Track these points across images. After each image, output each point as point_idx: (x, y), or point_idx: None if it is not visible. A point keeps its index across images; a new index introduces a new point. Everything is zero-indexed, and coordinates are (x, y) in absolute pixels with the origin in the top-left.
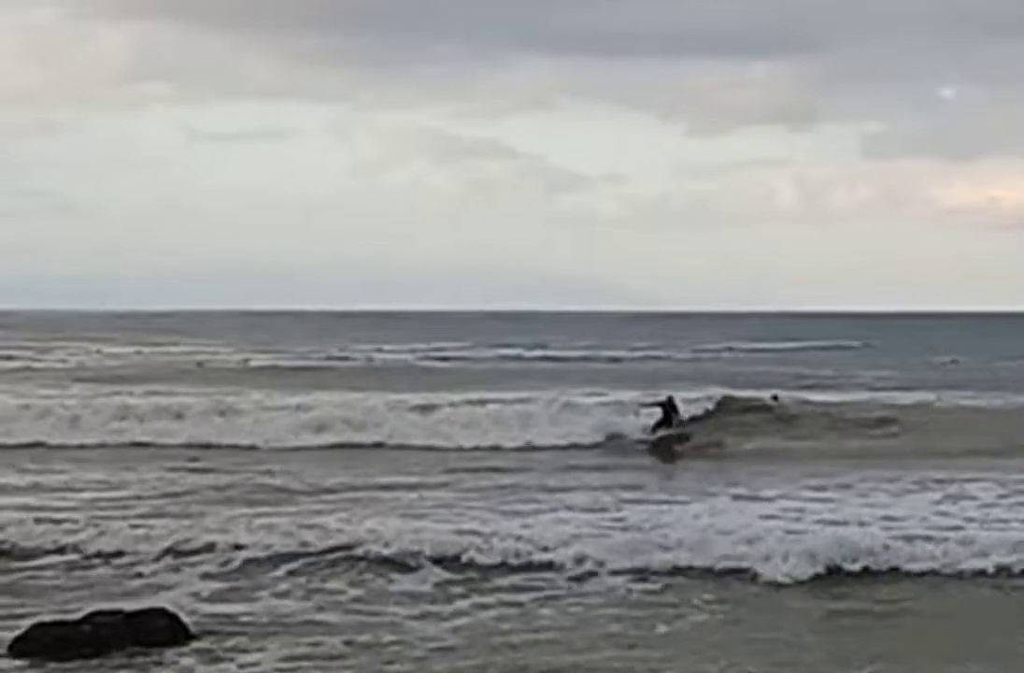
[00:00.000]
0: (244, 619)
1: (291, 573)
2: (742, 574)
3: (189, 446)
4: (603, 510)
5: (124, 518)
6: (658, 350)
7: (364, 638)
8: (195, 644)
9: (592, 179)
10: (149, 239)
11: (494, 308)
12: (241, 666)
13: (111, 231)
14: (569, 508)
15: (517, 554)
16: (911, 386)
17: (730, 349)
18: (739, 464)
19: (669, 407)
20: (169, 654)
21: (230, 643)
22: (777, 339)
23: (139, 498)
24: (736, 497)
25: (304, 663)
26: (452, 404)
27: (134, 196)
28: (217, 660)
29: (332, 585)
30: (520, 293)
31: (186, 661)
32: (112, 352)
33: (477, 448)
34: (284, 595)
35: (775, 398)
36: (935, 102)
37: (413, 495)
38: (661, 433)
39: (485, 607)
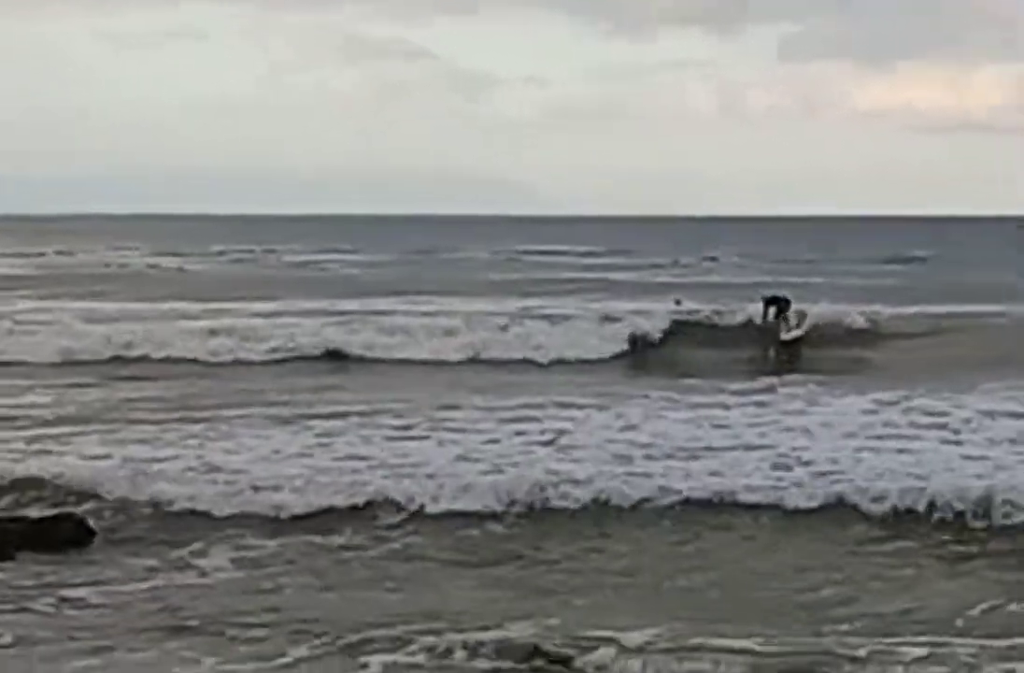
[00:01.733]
0: None
1: None
2: None
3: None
4: None
5: None
6: (606, 257)
7: None
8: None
9: (507, 81)
10: (57, 143)
11: (403, 212)
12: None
13: (20, 136)
14: None
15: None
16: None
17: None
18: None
19: (772, 300)
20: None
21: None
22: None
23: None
24: None
25: None
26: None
27: (45, 101)
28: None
29: None
30: (431, 196)
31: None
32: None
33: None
34: None
35: (678, 302)
36: (853, 4)
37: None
38: (795, 333)
39: None
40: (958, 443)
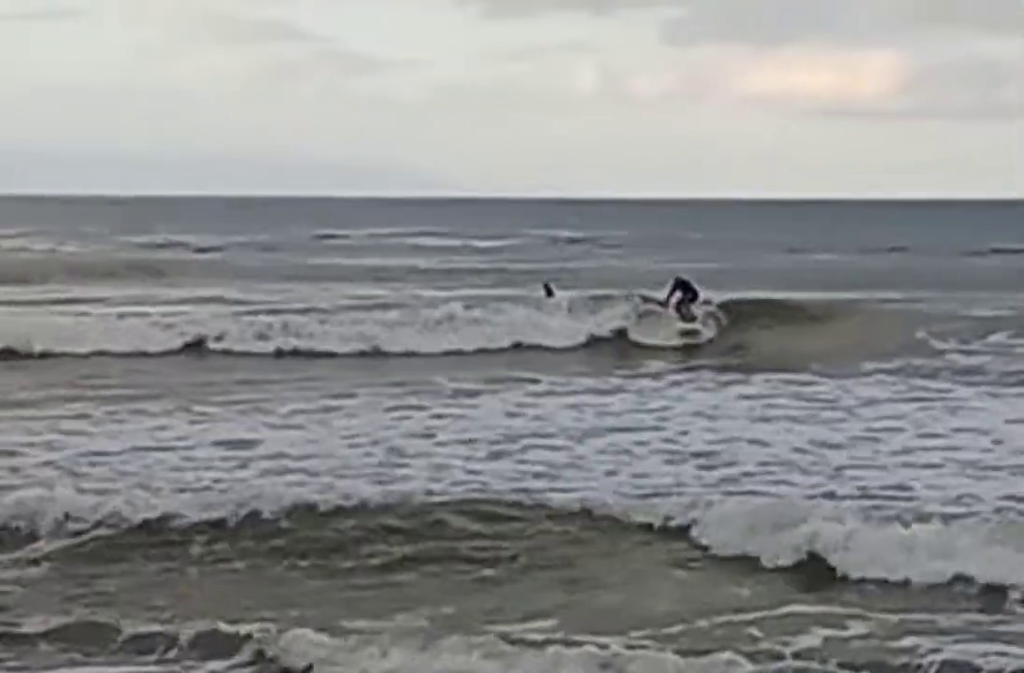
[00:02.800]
0: None
1: None
2: None
3: None
4: None
5: None
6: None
7: None
8: None
9: (389, 62)
10: None
11: (281, 194)
12: None
13: None
14: None
15: None
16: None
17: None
18: None
19: (681, 285)
20: None
21: None
22: (601, 227)
23: None
24: None
25: None
26: None
27: None
28: None
29: None
30: (316, 179)
31: None
32: None
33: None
34: None
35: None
36: None
37: None
38: (691, 326)
39: None
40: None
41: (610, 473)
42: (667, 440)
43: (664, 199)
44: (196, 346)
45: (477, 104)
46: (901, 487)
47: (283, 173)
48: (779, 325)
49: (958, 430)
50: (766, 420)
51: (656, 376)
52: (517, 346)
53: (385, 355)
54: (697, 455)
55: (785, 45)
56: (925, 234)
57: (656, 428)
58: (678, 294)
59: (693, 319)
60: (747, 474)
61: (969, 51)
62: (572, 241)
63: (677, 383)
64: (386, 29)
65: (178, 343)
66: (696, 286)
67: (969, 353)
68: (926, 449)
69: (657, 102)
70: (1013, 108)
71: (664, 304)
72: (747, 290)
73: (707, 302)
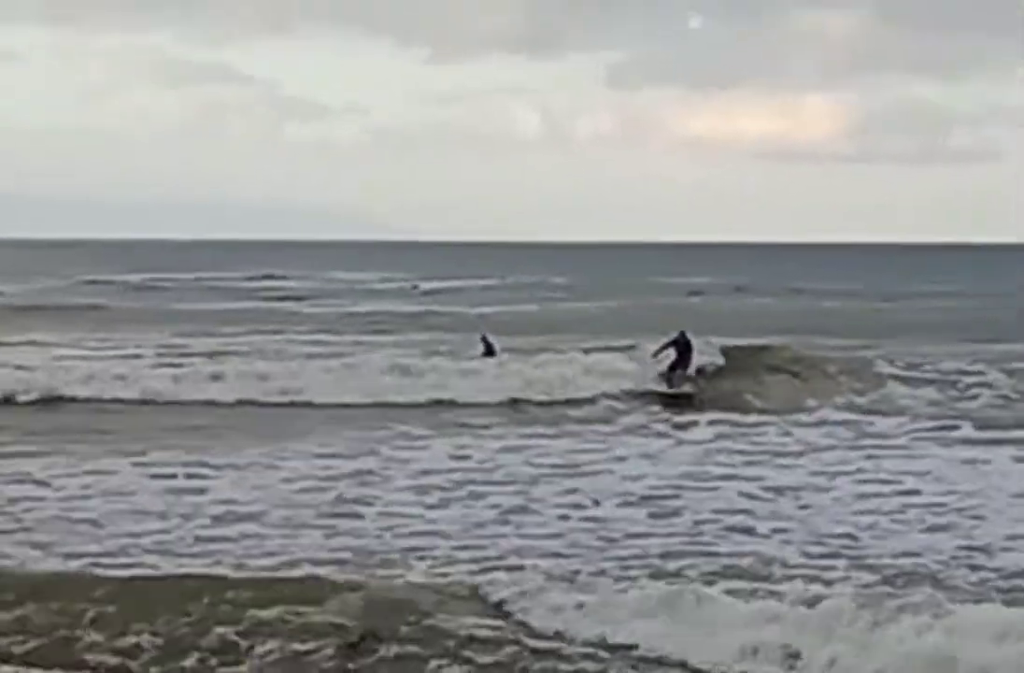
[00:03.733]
0: None
1: None
2: None
3: None
4: None
5: None
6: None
7: None
8: None
9: (329, 107)
10: None
11: (224, 237)
12: None
13: None
14: None
15: None
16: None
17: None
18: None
19: (683, 346)
20: None
21: None
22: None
23: None
24: None
25: None
26: None
27: None
28: None
29: None
30: (256, 222)
31: None
32: None
33: None
34: None
35: (415, 287)
36: (681, 32)
37: None
38: (684, 389)
39: None
40: None
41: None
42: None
43: (606, 242)
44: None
45: (417, 148)
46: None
47: (220, 216)
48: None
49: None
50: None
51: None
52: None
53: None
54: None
55: (728, 89)
56: (865, 277)
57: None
58: (671, 353)
59: (676, 387)
60: None
61: (913, 96)
62: (516, 287)
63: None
64: (327, 74)
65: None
66: (694, 351)
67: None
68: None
69: (599, 145)
70: (956, 153)
71: (654, 355)
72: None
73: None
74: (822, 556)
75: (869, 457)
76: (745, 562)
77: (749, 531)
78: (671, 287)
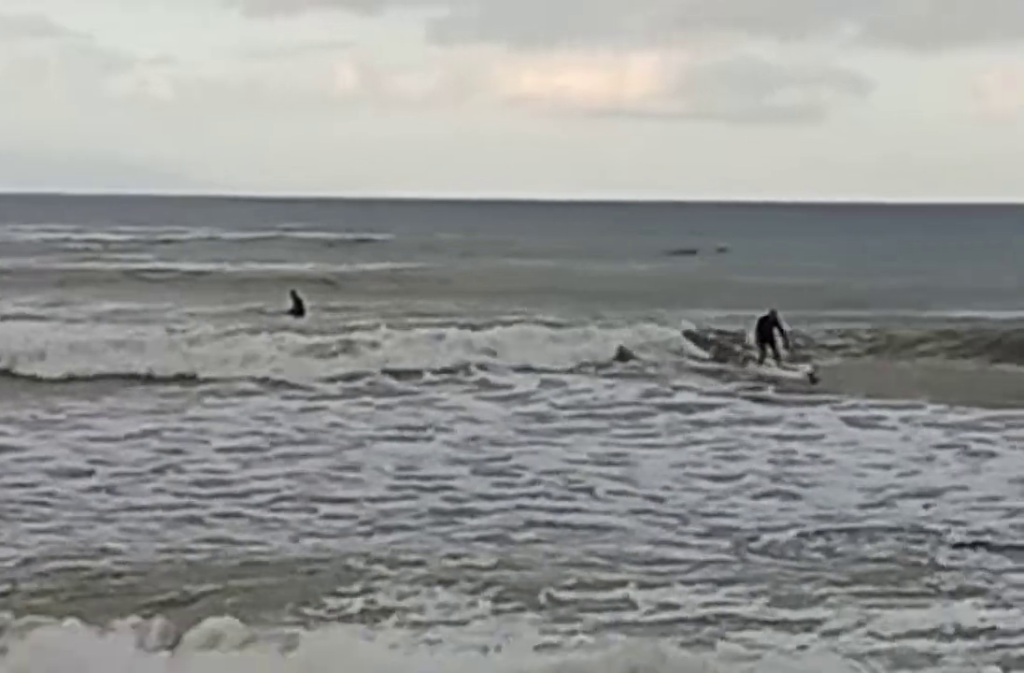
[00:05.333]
0: None
1: None
2: None
3: None
4: None
5: None
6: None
7: None
8: None
9: (145, 60)
10: None
11: (40, 191)
12: None
13: None
14: None
15: None
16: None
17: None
18: None
19: (773, 323)
20: None
21: None
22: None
23: None
24: None
25: None
26: None
27: None
28: None
29: None
30: (68, 175)
31: None
32: None
33: None
34: None
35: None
36: None
37: None
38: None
39: None
40: None
41: None
42: None
43: (429, 199)
44: None
45: (236, 103)
46: None
47: (38, 170)
48: None
49: None
50: None
51: None
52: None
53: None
54: None
55: (553, 46)
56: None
57: None
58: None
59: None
60: None
61: (740, 54)
62: (331, 243)
63: None
64: (143, 26)
65: None
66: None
67: None
68: None
69: (422, 102)
70: (783, 112)
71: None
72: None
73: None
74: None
75: None
76: None
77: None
78: (491, 245)
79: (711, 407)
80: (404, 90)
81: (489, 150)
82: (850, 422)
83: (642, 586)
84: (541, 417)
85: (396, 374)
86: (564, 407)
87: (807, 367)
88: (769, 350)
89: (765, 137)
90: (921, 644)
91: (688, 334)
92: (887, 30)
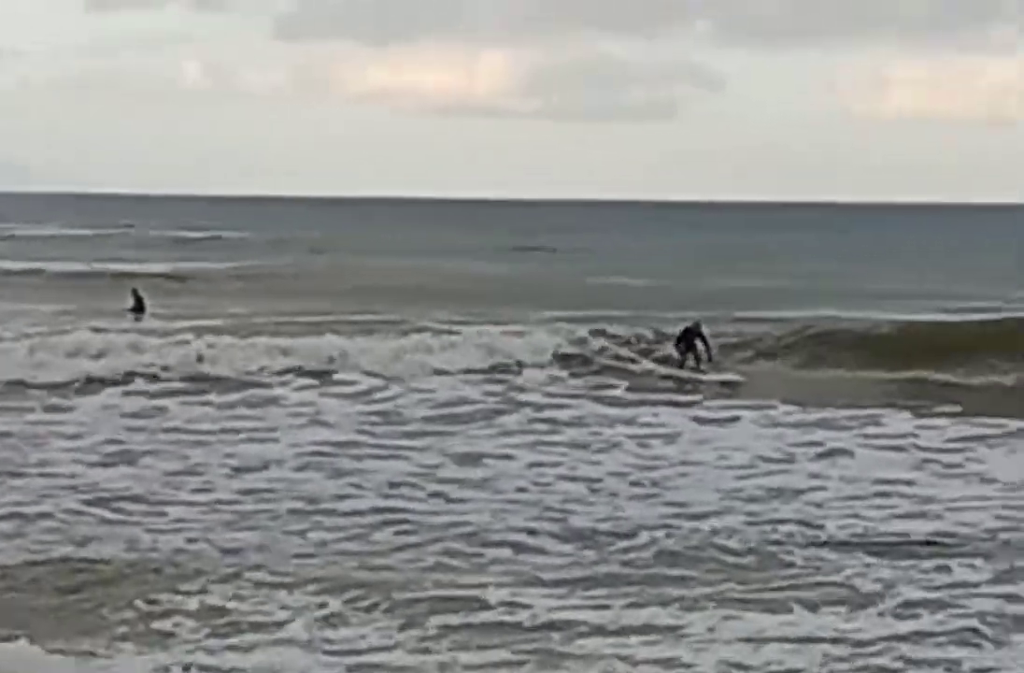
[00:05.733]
0: None
1: None
2: None
3: None
4: None
5: None
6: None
7: None
8: None
9: None
10: None
11: None
12: None
13: None
14: None
15: None
16: None
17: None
18: None
19: (696, 335)
20: None
21: None
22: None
23: None
24: None
25: None
26: None
27: None
28: None
29: None
30: None
31: None
32: None
33: None
34: None
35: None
36: None
37: None
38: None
39: None
40: None
41: None
42: None
43: (280, 196)
44: None
45: (80, 97)
46: None
47: None
48: None
49: None
50: None
51: None
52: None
53: None
54: None
55: (404, 42)
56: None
57: None
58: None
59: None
60: None
61: (594, 52)
62: (180, 241)
63: None
64: None
65: None
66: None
67: None
68: None
69: (270, 99)
70: (637, 110)
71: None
72: None
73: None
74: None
75: None
76: None
77: None
78: (343, 243)
79: (564, 407)
80: (252, 86)
81: (340, 147)
82: (704, 422)
83: (498, 587)
84: (394, 418)
85: (239, 374)
86: (419, 407)
87: (730, 375)
88: (691, 358)
89: (620, 135)
90: (772, 649)
91: (598, 333)
92: (739, 27)
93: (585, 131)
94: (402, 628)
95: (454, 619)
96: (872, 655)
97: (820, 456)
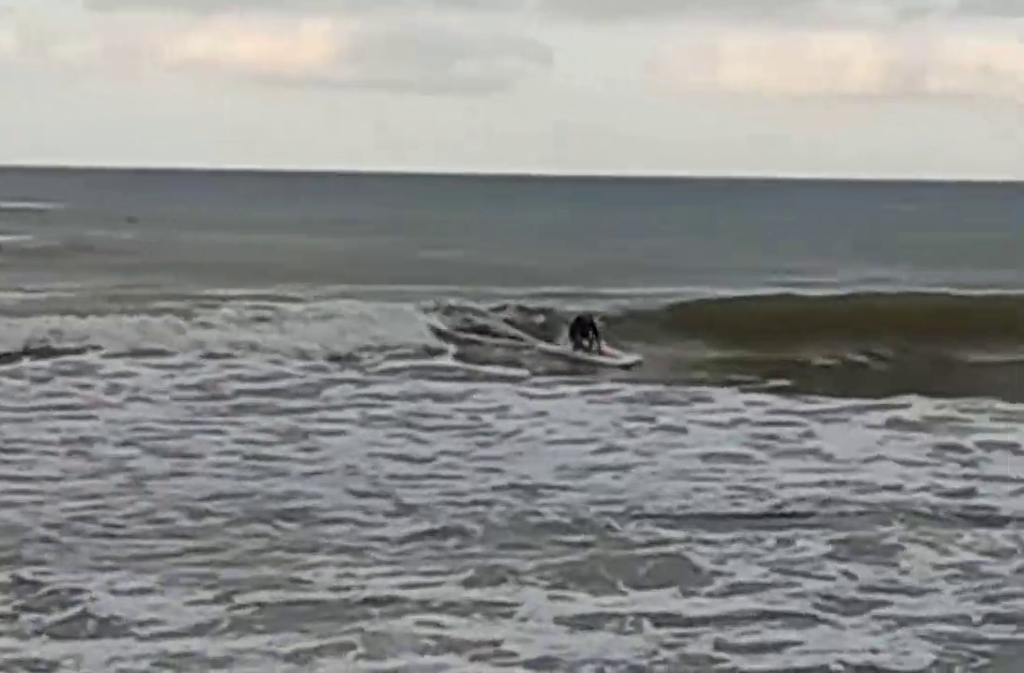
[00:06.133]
0: None
1: None
2: None
3: None
4: None
5: None
6: None
7: None
8: None
9: None
10: None
11: None
12: None
13: None
14: None
15: None
16: None
17: None
18: None
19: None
20: None
21: None
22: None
23: None
24: None
25: None
26: None
27: None
28: None
29: None
30: None
31: None
32: None
33: None
34: None
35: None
36: None
37: None
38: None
39: None
40: None
41: None
42: None
43: (96, 168)
44: None
45: None
46: None
47: None
48: None
49: None
50: None
51: None
52: None
53: None
54: None
55: (217, 12)
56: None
57: None
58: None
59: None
60: None
61: (423, 24)
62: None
63: None
64: None
65: None
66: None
67: None
68: None
69: (85, 68)
70: (467, 82)
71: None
72: None
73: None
74: None
75: None
76: None
77: None
78: (159, 215)
79: (389, 383)
80: (66, 57)
81: (156, 118)
82: (535, 397)
83: (330, 566)
84: (216, 394)
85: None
86: (238, 382)
87: (631, 357)
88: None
89: (449, 108)
90: (598, 635)
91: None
92: (568, 1)
93: (413, 104)
94: (218, 602)
95: (278, 596)
96: (699, 638)
97: (652, 431)
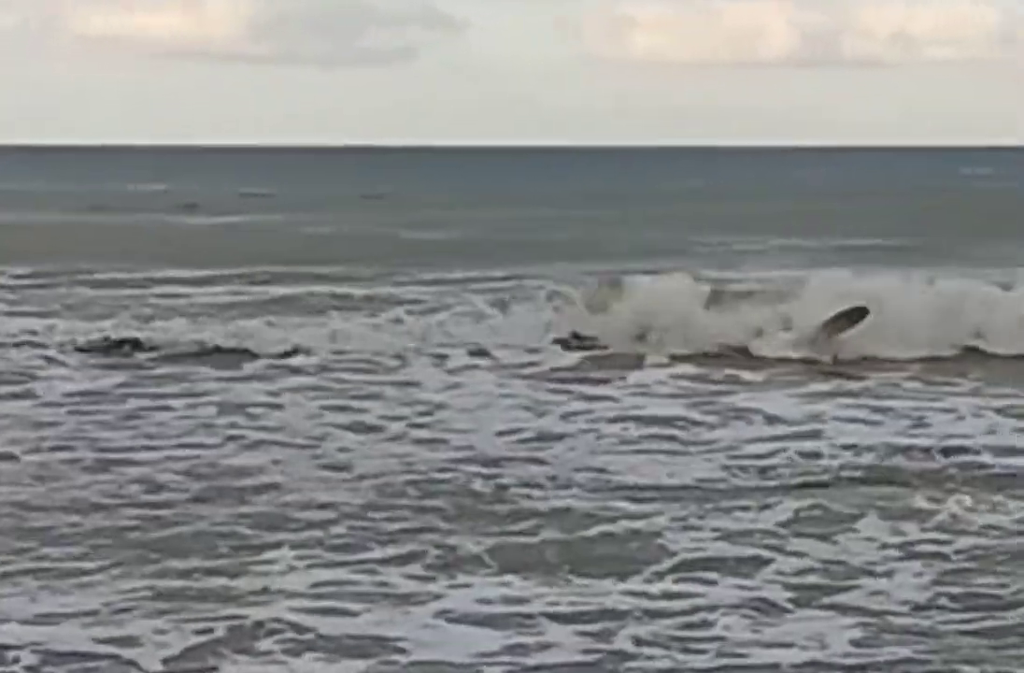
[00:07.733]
0: None
1: None
2: None
3: None
4: None
5: None
6: None
7: None
8: None
9: None
10: None
11: None
12: None
13: None
14: None
15: None
16: None
17: None
18: None
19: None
20: None
21: None
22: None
23: None
24: None
25: None
26: None
27: None
28: None
29: None
30: None
31: None
32: None
33: None
34: None
35: None
36: None
37: None
38: None
39: None
40: None
41: None
42: None
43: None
44: None
45: None
46: None
47: None
48: None
49: None
50: None
51: None
52: None
53: None
54: None
55: None
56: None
57: None
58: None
59: None
60: None
61: None
62: None
63: None
64: None
65: None
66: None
67: None
68: None
69: None
70: (375, 54)
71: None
72: None
73: None
74: None
75: None
76: None
77: None
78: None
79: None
80: None
81: (62, 94)
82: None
83: (293, 547)
84: (152, 364)
85: None
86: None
87: None
88: None
89: (357, 80)
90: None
91: None
92: None
93: (321, 77)
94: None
95: (261, 582)
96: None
97: (579, 400)
